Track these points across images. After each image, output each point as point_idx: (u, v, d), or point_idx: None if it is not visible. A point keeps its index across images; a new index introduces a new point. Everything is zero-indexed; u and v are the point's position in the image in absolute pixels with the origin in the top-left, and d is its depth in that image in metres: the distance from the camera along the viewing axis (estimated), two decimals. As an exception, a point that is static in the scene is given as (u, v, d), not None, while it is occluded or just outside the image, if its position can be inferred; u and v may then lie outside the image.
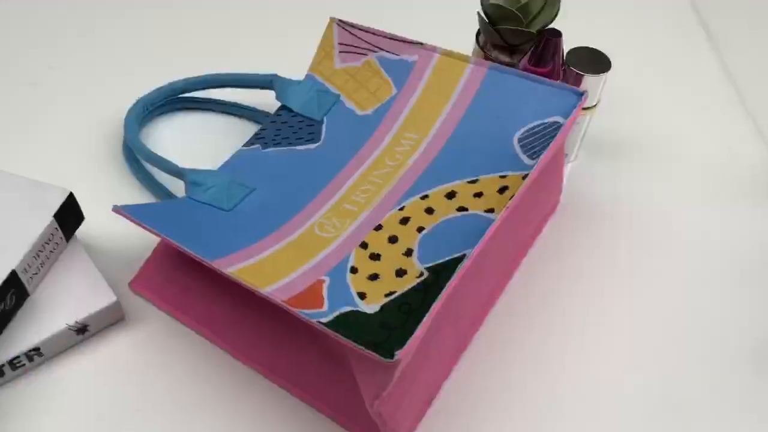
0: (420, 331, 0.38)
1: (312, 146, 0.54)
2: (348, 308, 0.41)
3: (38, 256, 0.47)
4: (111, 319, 0.49)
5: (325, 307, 0.41)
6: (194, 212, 0.49)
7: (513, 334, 0.51)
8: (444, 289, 0.40)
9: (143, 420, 0.45)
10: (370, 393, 0.40)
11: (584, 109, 0.58)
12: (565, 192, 0.60)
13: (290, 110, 0.57)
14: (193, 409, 0.46)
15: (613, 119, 0.65)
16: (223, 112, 0.64)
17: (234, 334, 0.48)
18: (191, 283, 0.50)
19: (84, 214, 0.55)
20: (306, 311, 0.40)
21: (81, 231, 0.54)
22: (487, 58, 0.58)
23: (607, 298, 0.53)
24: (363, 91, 0.56)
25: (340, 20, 0.58)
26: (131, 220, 0.46)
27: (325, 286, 0.43)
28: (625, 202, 0.59)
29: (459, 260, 0.42)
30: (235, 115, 0.64)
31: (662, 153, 0.63)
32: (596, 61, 0.56)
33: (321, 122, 0.55)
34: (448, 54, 0.55)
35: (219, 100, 0.63)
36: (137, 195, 0.57)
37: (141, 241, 0.54)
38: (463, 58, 0.54)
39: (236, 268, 0.43)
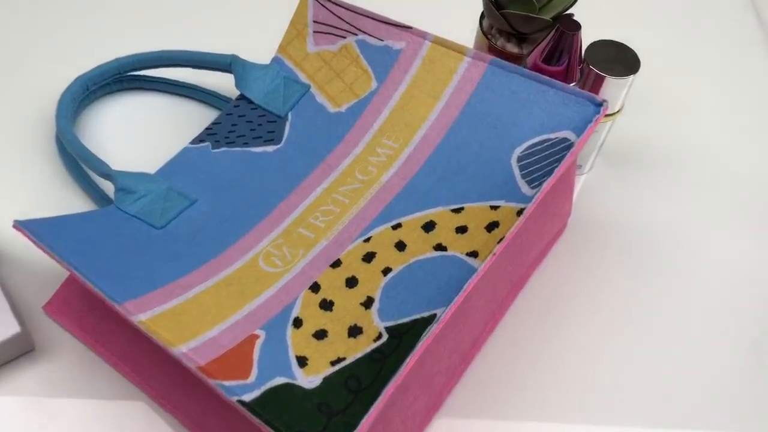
0: (367, 421, 0.30)
1: (270, 148, 0.45)
2: (281, 380, 0.33)
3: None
4: (15, 351, 0.41)
5: (252, 377, 0.32)
6: (116, 229, 0.40)
7: (498, 388, 0.42)
8: (403, 365, 0.31)
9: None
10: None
11: (605, 116, 0.48)
12: (576, 209, 0.50)
13: (250, 101, 0.47)
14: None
15: (639, 124, 0.55)
16: (177, 94, 0.54)
17: (158, 375, 0.40)
18: (112, 310, 0.41)
19: None
20: (226, 383, 0.32)
21: (-5, 237, 0.46)
22: (491, 47, 0.48)
23: (618, 346, 0.44)
24: (338, 82, 0.47)
25: (315, -7, 0.48)
26: (34, 243, 0.37)
27: (258, 344, 0.34)
28: (646, 226, 0.50)
29: (428, 321, 0.34)
30: (192, 98, 0.54)
31: (693, 169, 0.53)
32: (622, 59, 0.46)
33: (284, 119, 0.46)
34: (441, 43, 0.45)
35: (174, 80, 0.54)
36: (70, 196, 0.48)
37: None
38: (458, 49, 0.44)
39: (151, 314, 0.35)
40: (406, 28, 0.45)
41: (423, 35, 0.45)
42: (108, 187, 0.49)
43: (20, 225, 0.38)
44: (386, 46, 0.46)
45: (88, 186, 0.48)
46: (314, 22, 0.48)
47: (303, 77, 0.47)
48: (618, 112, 0.48)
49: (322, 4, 0.48)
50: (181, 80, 0.54)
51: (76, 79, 0.50)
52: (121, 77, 0.53)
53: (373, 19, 0.46)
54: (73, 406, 0.40)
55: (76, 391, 0.41)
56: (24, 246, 0.46)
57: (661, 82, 0.58)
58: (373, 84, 0.46)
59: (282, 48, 0.48)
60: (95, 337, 0.42)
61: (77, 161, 0.49)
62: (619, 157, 0.54)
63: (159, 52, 0.51)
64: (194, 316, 0.35)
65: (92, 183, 0.48)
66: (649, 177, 0.52)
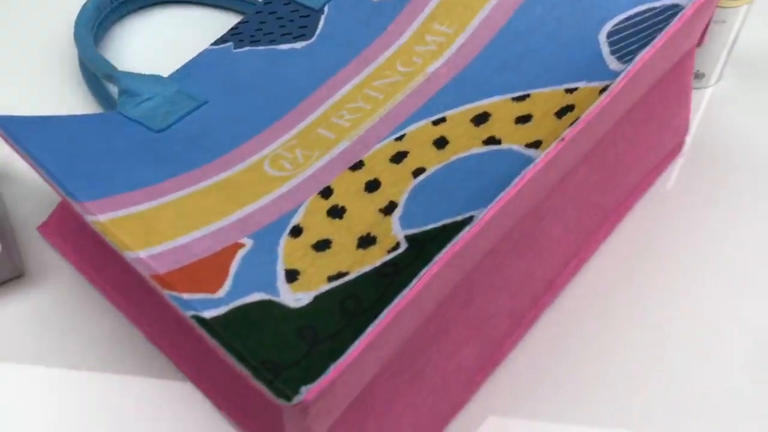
0: (355, 350, 0.21)
1: (299, 45, 0.37)
2: (259, 296, 0.24)
3: None
4: (1, 275, 0.35)
5: (222, 292, 0.24)
6: (109, 133, 0.33)
7: (575, 344, 0.32)
8: (416, 278, 0.22)
9: (37, 396, 0.32)
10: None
11: (735, -4, 0.36)
12: (697, 130, 0.39)
13: (284, -4, 0.40)
14: (98, 390, 0.32)
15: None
16: (205, 4, 0.48)
17: (152, 312, 0.33)
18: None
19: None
20: (183, 296, 0.24)
21: None
22: None
23: (734, 301, 0.33)
24: (385, -34, 0.38)
25: None
26: (2, 138, 0.31)
27: (239, 254, 0.26)
28: (792, 150, 0.37)
29: (462, 226, 0.24)
30: (230, 9, 0.47)
31: None
32: None
33: (320, 12, 0.38)
34: None
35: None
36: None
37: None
38: None
39: (113, 215, 0.27)
40: None
41: None
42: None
43: (-9, 119, 0.32)
44: None
45: (109, 105, 0.42)
46: None
47: (346, -36, 0.39)
48: (754, -8, 0.36)
49: None
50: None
51: (87, 1, 0.44)
52: (151, -12, 0.47)
53: None
54: (63, 336, 0.34)
55: (65, 322, 0.34)
56: (28, 168, 0.40)
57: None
58: (427, -37, 0.37)
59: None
60: (90, 262, 0.35)
61: (96, 79, 0.43)
62: (753, 66, 0.41)
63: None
64: (167, 221, 0.28)
65: (113, 101, 0.42)
66: (798, 88, 0.40)
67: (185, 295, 0.24)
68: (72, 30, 0.47)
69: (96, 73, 0.38)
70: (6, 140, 0.31)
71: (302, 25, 0.38)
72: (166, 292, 0.24)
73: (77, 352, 0.33)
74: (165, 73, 0.44)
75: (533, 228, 0.30)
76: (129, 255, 0.25)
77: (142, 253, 0.25)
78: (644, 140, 0.34)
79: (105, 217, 0.27)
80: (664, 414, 0.30)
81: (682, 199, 0.36)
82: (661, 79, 0.33)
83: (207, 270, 0.25)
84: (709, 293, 0.33)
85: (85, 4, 0.43)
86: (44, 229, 0.37)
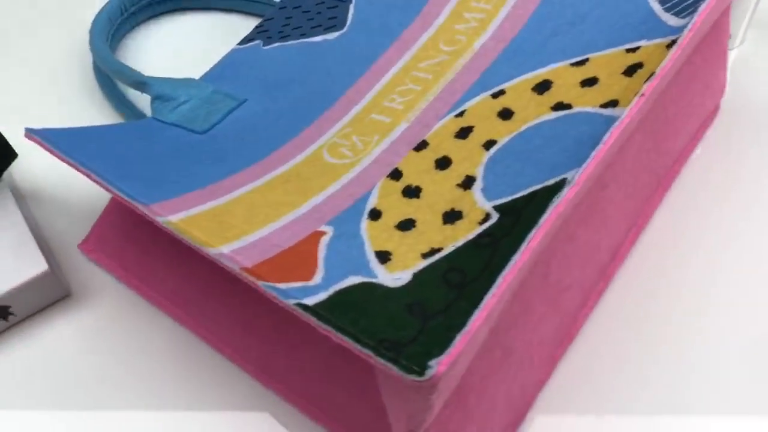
0: (477, 320, 0.20)
1: (332, 36, 0.36)
2: (357, 279, 0.24)
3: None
4: (48, 297, 0.34)
5: (317, 279, 0.24)
6: (150, 138, 0.33)
7: (647, 311, 0.32)
8: (525, 242, 0.22)
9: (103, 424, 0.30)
10: (400, 426, 0.23)
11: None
12: (728, 91, 0.39)
13: (307, -10, 0.39)
14: (164, 413, 0.30)
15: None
16: (223, 9, 0.47)
17: (214, 315, 0.32)
18: (157, 243, 0.34)
19: (23, 152, 0.40)
20: (281, 285, 0.23)
21: (17, 174, 0.39)
22: None
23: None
24: (410, -50, 0.38)
25: None
26: (48, 150, 0.30)
27: (323, 241, 0.25)
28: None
29: (555, 189, 0.24)
30: (248, 13, 0.47)
31: None
32: None
33: (347, 1, 0.37)
34: None
35: (223, -7, 0.46)
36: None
37: (100, 188, 0.38)
38: None
39: (184, 215, 0.27)
40: None
41: None
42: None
43: (32, 133, 0.31)
44: None
45: (130, 112, 0.41)
46: None
47: (368, -47, 0.39)
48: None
49: None
50: (230, -7, 0.46)
51: (102, 10, 0.43)
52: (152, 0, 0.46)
53: None
54: (116, 356, 0.33)
55: (120, 338, 0.33)
56: (59, 185, 0.39)
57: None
58: (455, -58, 0.36)
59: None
60: (139, 275, 0.34)
61: (122, 92, 0.42)
62: (777, 25, 0.42)
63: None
64: (240, 216, 0.27)
65: (136, 110, 0.41)
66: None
67: (281, 285, 0.23)
68: (84, 39, 0.46)
69: (125, 83, 0.37)
70: (54, 153, 0.30)
71: (331, 16, 0.37)
72: (261, 284, 0.23)
73: (137, 367, 0.32)
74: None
75: (597, 196, 0.29)
76: (212, 251, 0.24)
77: (225, 249, 0.25)
78: (690, 102, 0.34)
79: (176, 217, 0.26)
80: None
81: (723, 161, 0.37)
82: (704, 38, 0.33)
83: (294, 259, 0.24)
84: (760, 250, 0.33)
85: (97, 16, 0.42)
86: (85, 246, 0.36)
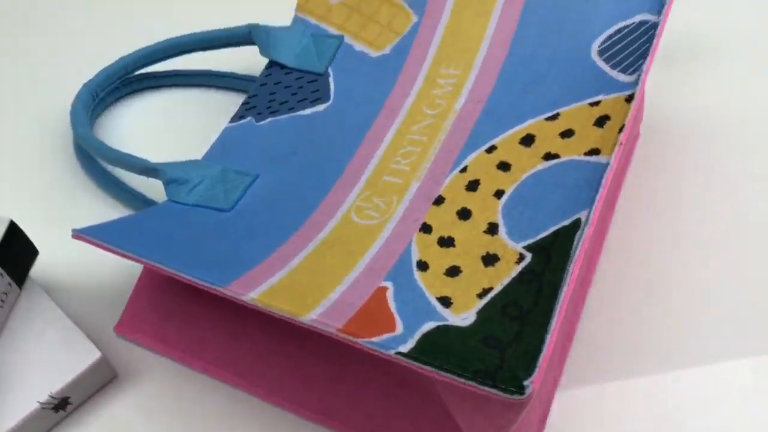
0: (550, 343, 0.26)
1: (321, 107, 0.41)
2: (432, 324, 0.29)
3: (-19, 316, 0.34)
4: (99, 382, 0.36)
5: (399, 329, 0.28)
6: (182, 221, 0.36)
7: (621, 311, 0.39)
8: (567, 275, 0.28)
9: None
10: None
11: None
12: (645, 114, 0.47)
13: (282, 66, 0.43)
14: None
15: (694, 12, 0.52)
16: (194, 85, 0.50)
17: (266, 370, 0.36)
18: (195, 313, 0.37)
19: (36, 246, 0.42)
20: (375, 340, 0.28)
21: (36, 270, 0.41)
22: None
23: (721, 248, 0.41)
24: (373, 26, 0.43)
25: (325, -61, 0.44)
26: (101, 247, 0.33)
27: (389, 295, 0.30)
28: (726, 121, 0.47)
29: (574, 228, 0.30)
30: (211, 87, 0.50)
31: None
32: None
33: (326, 75, 0.42)
34: (478, -43, 0.41)
35: (186, 71, 0.50)
36: (105, 209, 0.44)
37: (119, 270, 0.41)
38: (498, -40, 0.41)
39: (260, 290, 0.30)
40: (435, -50, 0.42)
41: (455, -46, 0.42)
42: (143, 186, 0.44)
43: (80, 233, 0.33)
44: (416, -25, 0.42)
45: (127, 194, 0.43)
46: (329, -30, 0.44)
47: (332, 30, 0.43)
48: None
49: (334, -51, 0.44)
50: (194, 69, 0.50)
51: (83, 87, 0.45)
52: (129, 78, 0.48)
53: (394, -49, 0.43)
54: (172, 428, 0.35)
55: (171, 411, 0.36)
56: (72, 274, 0.41)
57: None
58: (413, 17, 0.42)
59: (300, 7, 0.45)
60: (181, 347, 0.37)
61: (106, 170, 0.44)
62: (675, 51, 0.51)
63: (166, 41, 0.46)
64: (307, 284, 0.31)
65: (126, 188, 0.43)
66: (720, 67, 0.49)
67: (375, 339, 0.28)
68: (63, 112, 0.47)
69: (132, 171, 0.39)
70: (108, 249, 0.32)
71: (314, 89, 0.42)
72: (360, 341, 0.27)
73: None
74: (164, 155, 0.46)
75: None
76: (304, 319, 0.29)
77: (313, 315, 0.29)
78: (629, 135, 0.42)
79: (256, 293, 0.30)
80: None
81: (650, 182, 0.45)
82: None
83: (373, 315, 0.29)
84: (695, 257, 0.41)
85: (74, 108, 0.44)
86: (121, 328, 0.38)
